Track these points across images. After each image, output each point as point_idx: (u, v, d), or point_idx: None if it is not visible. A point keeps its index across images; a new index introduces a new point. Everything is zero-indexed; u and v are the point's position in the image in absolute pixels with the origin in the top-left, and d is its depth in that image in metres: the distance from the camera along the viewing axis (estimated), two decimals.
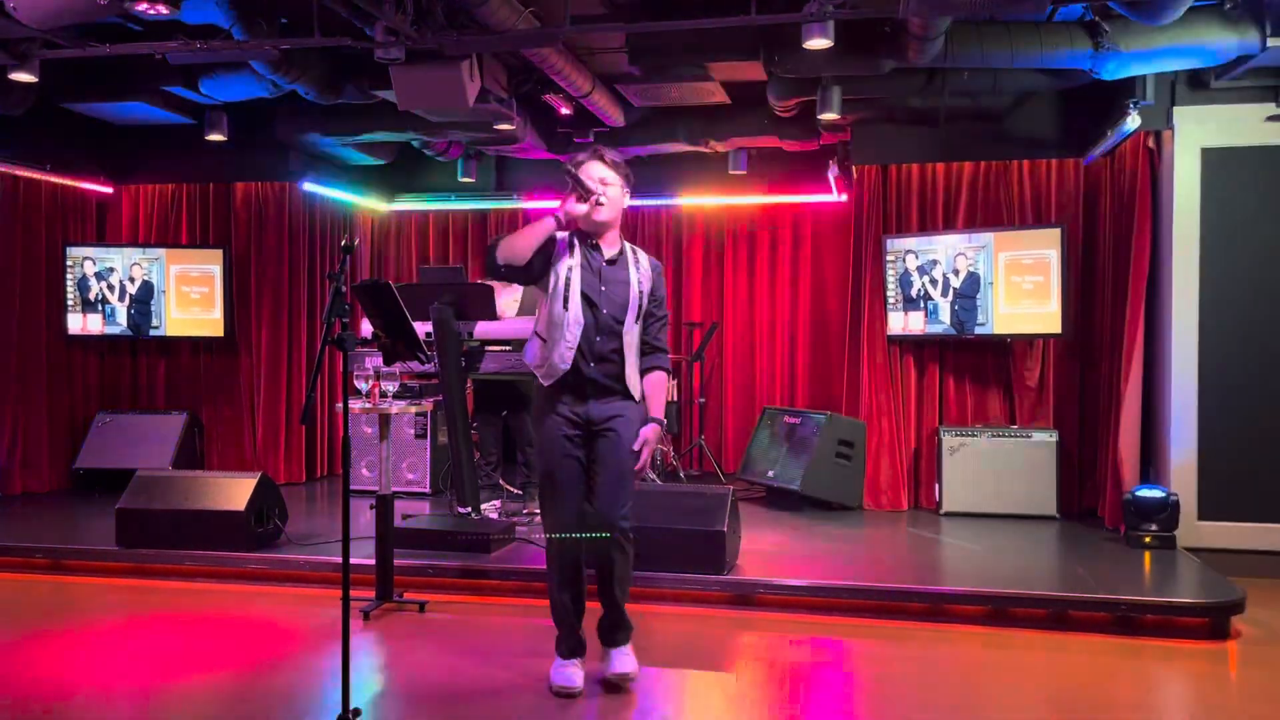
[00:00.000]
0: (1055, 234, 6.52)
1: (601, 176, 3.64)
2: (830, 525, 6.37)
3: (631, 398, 3.71)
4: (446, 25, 5.20)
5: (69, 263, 7.72)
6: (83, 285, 7.75)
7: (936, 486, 6.83)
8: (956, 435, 6.74)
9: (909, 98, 6.46)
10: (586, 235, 3.70)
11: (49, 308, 7.65)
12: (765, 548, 5.62)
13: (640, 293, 3.70)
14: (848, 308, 7.36)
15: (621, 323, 3.65)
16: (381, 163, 8.38)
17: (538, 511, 6.42)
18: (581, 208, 3.58)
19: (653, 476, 7.27)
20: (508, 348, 6.18)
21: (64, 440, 7.71)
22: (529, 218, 8.85)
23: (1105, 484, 6.30)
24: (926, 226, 7.06)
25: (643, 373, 3.77)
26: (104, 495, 6.94)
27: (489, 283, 6.35)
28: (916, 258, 6.93)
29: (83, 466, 7.58)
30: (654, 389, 3.78)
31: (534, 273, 3.64)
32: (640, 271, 3.74)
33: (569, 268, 3.64)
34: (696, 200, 8.48)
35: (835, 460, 6.82)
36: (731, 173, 7.90)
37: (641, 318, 3.73)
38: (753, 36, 5.69)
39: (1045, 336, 6.69)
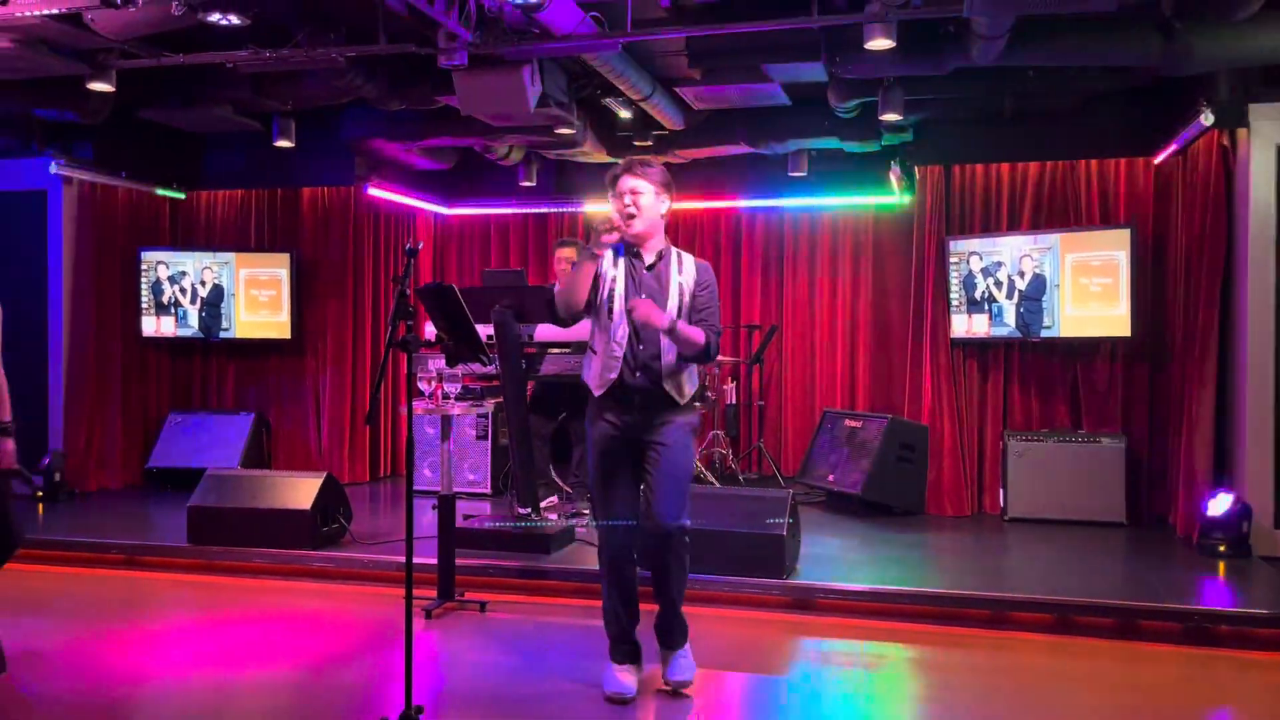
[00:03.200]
0: (1124, 235, 6.38)
1: (632, 187, 3.66)
2: (891, 530, 6.30)
3: (677, 404, 3.71)
4: (509, 31, 5.25)
5: (143, 266, 7.95)
6: (156, 288, 7.96)
7: (1001, 492, 6.72)
8: (1022, 440, 6.63)
9: (973, 97, 6.37)
10: (628, 245, 3.72)
11: (124, 310, 7.88)
12: (825, 552, 5.58)
13: (681, 298, 3.69)
14: (910, 310, 7.28)
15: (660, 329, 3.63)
16: (443, 167, 8.48)
17: (587, 512, 6.47)
18: (623, 231, 3.60)
19: (711, 479, 7.26)
20: (566, 350, 6.21)
21: (137, 439, 7.93)
22: (588, 222, 8.90)
23: (1176, 490, 6.15)
24: (991, 228, 6.95)
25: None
26: (175, 493, 7.13)
27: (548, 285, 6.42)
28: (980, 259, 6.83)
29: (155, 465, 7.79)
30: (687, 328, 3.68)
31: (592, 304, 3.71)
32: (683, 275, 3.73)
33: (611, 279, 3.69)
34: (755, 202, 8.44)
35: (897, 464, 6.74)
36: (791, 174, 7.85)
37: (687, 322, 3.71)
38: (813, 38, 5.65)
39: (1114, 339, 6.55)
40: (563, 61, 6.06)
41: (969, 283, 6.86)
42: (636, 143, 7.54)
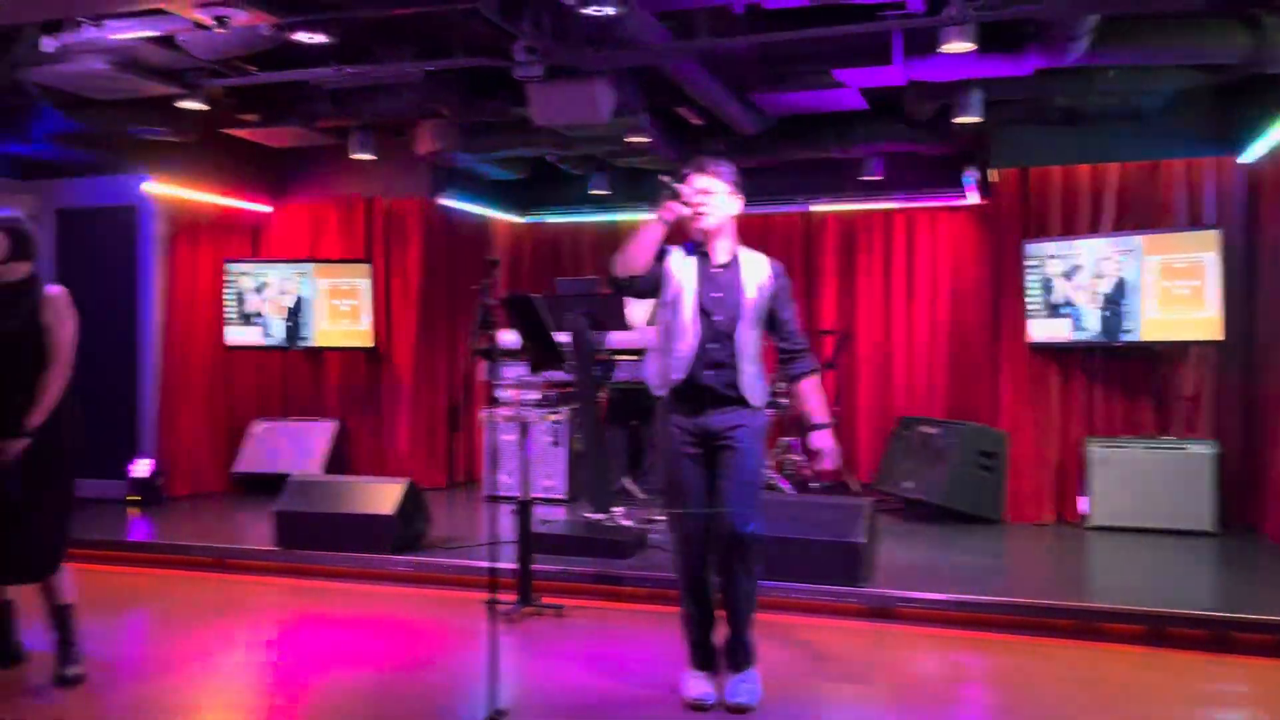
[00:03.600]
0: (1212, 236, 6.20)
1: (703, 186, 3.63)
2: (971, 538, 6.21)
3: (749, 405, 3.67)
4: (583, 41, 5.31)
5: (229, 278, 8.19)
6: (241, 299, 8.20)
7: (1083, 499, 6.58)
8: (1105, 446, 6.48)
9: (1052, 98, 6.26)
10: (697, 244, 3.71)
11: (211, 320, 8.13)
12: (903, 560, 5.53)
13: (756, 300, 3.67)
14: (987, 315, 7.17)
15: (735, 329, 3.63)
16: (516, 177, 8.60)
17: (662, 518, 6.49)
18: (682, 209, 3.56)
19: (785, 486, 7.23)
20: (638, 357, 6.25)
21: (224, 445, 8.16)
22: (660, 182, 8.91)
23: (1271, 498, 5.95)
24: (1070, 230, 6.82)
25: (793, 379, 3.79)
26: (260, 498, 7.31)
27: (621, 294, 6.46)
28: (1059, 263, 6.70)
29: (241, 470, 8.02)
30: (811, 393, 3.78)
31: (653, 282, 3.67)
32: (758, 277, 3.70)
33: (681, 278, 3.66)
34: (829, 206, 8.39)
35: (975, 471, 6.64)
36: (865, 178, 7.79)
37: (759, 323, 3.69)
38: (888, 41, 5.61)
39: (1202, 344, 6.37)
40: (636, 71, 6.10)
41: (1048, 286, 6.74)
42: (708, 149, 7.55)
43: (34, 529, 3.86)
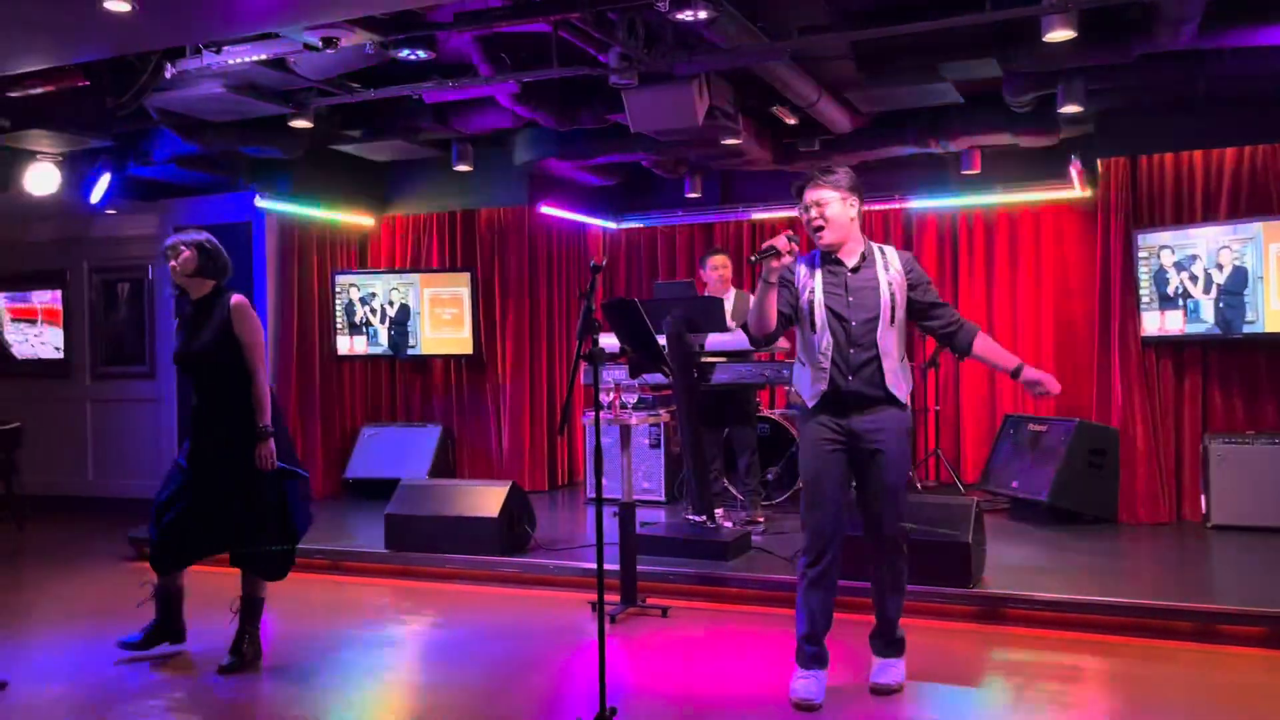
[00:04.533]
0: None
1: (816, 199, 3.67)
2: (1083, 538, 6.04)
3: (896, 403, 3.66)
4: (676, 47, 5.36)
5: (337, 289, 8.47)
6: (349, 310, 8.48)
7: (1203, 498, 6.34)
8: (1224, 443, 6.23)
9: (1161, 84, 6.05)
10: (827, 252, 3.71)
11: (321, 331, 8.43)
12: (1012, 561, 5.41)
13: (892, 294, 3.66)
14: (1095, 308, 6.96)
15: (874, 330, 3.63)
16: (611, 183, 8.69)
17: (762, 521, 6.48)
18: (784, 260, 3.59)
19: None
20: (736, 359, 6.25)
21: (335, 451, 8.44)
22: (757, 228, 8.92)
23: None
24: (1183, 219, 6.58)
25: (964, 350, 3.80)
26: (371, 502, 7.55)
27: (716, 295, 6.48)
28: (1173, 253, 6.47)
29: (351, 476, 8.29)
30: (989, 350, 3.81)
31: (786, 322, 3.75)
32: (890, 272, 3.70)
33: (810, 289, 3.68)
34: (927, 202, 8.27)
35: (1086, 470, 6.46)
36: (964, 173, 7.66)
37: (899, 319, 3.68)
38: (986, 33, 5.51)
39: None
40: (728, 73, 6.12)
41: (1160, 278, 6.51)
42: (802, 148, 7.52)
43: (280, 518, 4.29)
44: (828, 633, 3.81)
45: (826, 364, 3.64)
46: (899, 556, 3.79)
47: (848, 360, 3.62)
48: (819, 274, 3.70)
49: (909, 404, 3.74)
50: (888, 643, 3.89)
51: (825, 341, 3.64)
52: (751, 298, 6.26)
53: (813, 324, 3.67)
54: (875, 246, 3.76)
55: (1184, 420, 6.59)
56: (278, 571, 4.35)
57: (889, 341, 3.63)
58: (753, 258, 3.73)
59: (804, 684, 3.73)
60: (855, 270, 3.68)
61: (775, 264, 3.58)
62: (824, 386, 3.64)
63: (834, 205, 3.65)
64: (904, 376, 3.69)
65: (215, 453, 4.21)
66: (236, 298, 4.28)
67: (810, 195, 3.67)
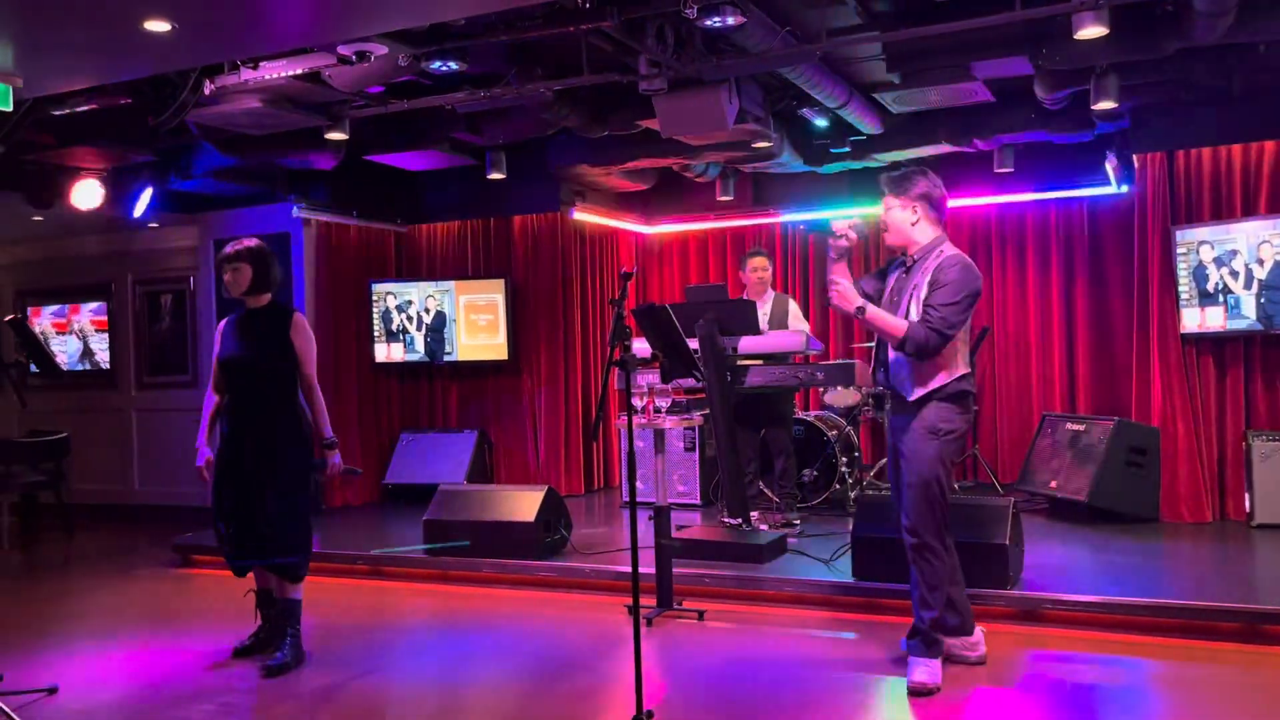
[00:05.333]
0: None
1: (884, 203, 3.95)
2: (1123, 538, 5.98)
3: (912, 402, 3.80)
4: (705, 52, 5.38)
5: (373, 297, 8.58)
6: (386, 317, 8.58)
7: (1246, 496, 6.25)
8: (1268, 440, 6.14)
9: (1196, 78, 5.97)
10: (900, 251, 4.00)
11: (358, 338, 8.54)
12: (1051, 561, 5.37)
13: (916, 295, 3.78)
14: (1133, 305, 6.88)
15: None
16: (643, 188, 8.72)
17: (798, 524, 6.48)
18: (839, 242, 3.86)
19: None
20: (769, 362, 6.25)
21: (374, 457, 8.54)
22: (788, 231, 8.90)
23: None
24: (1222, 214, 6.49)
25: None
26: (410, 507, 7.64)
27: (750, 298, 6.48)
28: (1212, 249, 6.39)
29: (390, 481, 8.39)
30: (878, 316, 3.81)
31: (873, 299, 3.99)
32: (922, 275, 3.81)
33: (891, 289, 3.99)
34: (959, 200, 8.21)
35: (1126, 469, 6.40)
36: (997, 171, 7.60)
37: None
38: (1017, 31, 5.48)
39: None
40: (758, 77, 6.13)
41: (1199, 274, 6.43)
42: (833, 149, 7.51)
43: (297, 522, 4.40)
44: (933, 616, 3.90)
45: (873, 358, 4.05)
46: (916, 555, 3.85)
47: (880, 355, 3.94)
48: (896, 272, 4.00)
49: (941, 399, 3.77)
50: (919, 641, 3.91)
51: (878, 339, 3.97)
52: (790, 300, 6.38)
53: None
54: (939, 250, 3.85)
55: (1226, 418, 6.51)
56: (296, 572, 4.43)
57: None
58: (803, 225, 4.03)
59: (915, 668, 3.91)
60: (908, 271, 3.90)
61: (832, 241, 3.85)
62: (871, 378, 4.05)
63: (894, 211, 3.91)
64: (918, 376, 3.77)
65: (253, 454, 4.33)
66: (299, 314, 4.51)
67: (883, 200, 3.95)
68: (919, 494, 3.77)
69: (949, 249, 3.84)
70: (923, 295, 3.74)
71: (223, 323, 4.57)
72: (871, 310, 3.75)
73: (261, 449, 4.34)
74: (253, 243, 4.46)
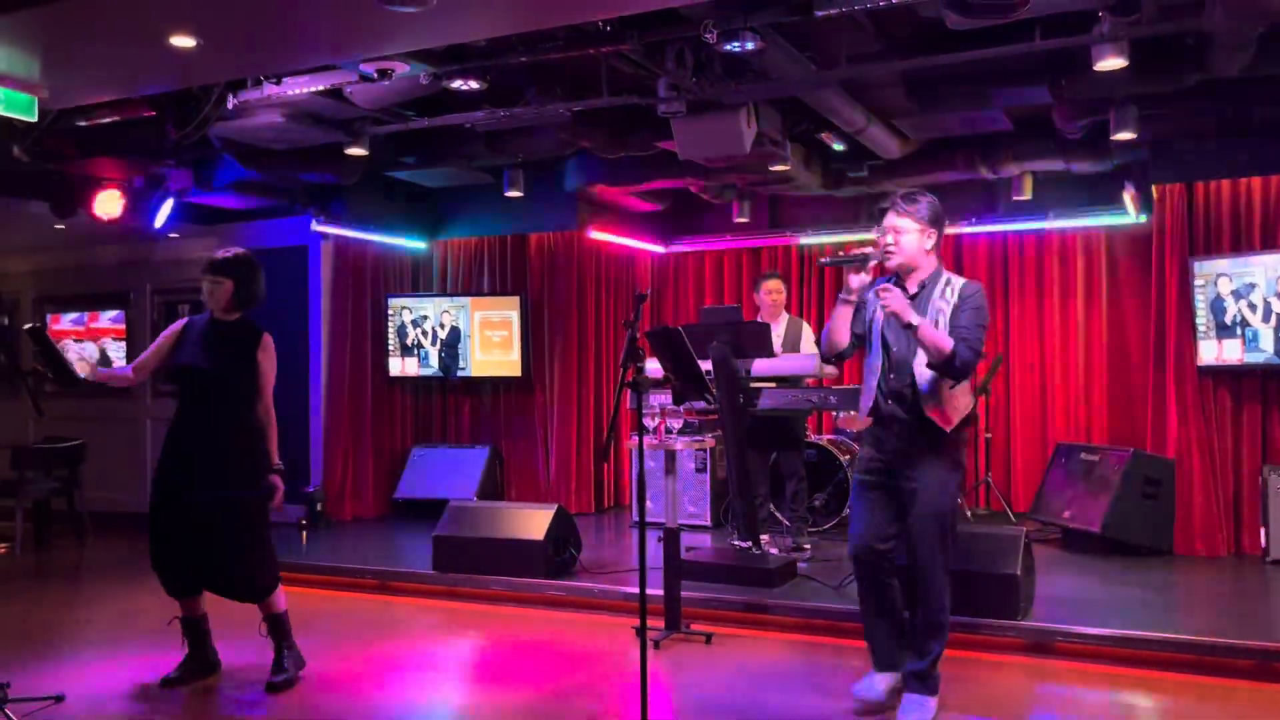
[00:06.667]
0: None
1: (894, 225, 3.73)
2: (1136, 570, 5.93)
3: (938, 433, 3.66)
4: (724, 75, 5.40)
5: (390, 311, 8.62)
6: (401, 332, 8.62)
7: (1262, 531, 6.19)
8: None
9: (1217, 111, 5.96)
10: (896, 278, 3.80)
11: (373, 352, 8.57)
12: (1063, 593, 5.33)
13: (936, 323, 3.66)
14: (1150, 337, 6.85)
15: (911, 360, 3.67)
16: (659, 208, 8.75)
17: (809, 548, 6.45)
18: (857, 279, 3.69)
19: None
20: (782, 385, 6.24)
21: (385, 471, 8.56)
22: (804, 254, 8.91)
23: None
24: (1241, 247, 6.46)
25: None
26: (419, 522, 7.64)
27: (764, 320, 6.48)
28: (1230, 281, 6.36)
29: (401, 496, 8.40)
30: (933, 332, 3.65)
31: (860, 337, 3.84)
32: (944, 300, 3.70)
33: (873, 310, 3.78)
34: (977, 228, 8.21)
35: (1141, 501, 6.34)
36: (1015, 199, 7.59)
37: None
38: (1038, 61, 5.49)
39: None
40: (777, 100, 6.15)
41: (1217, 306, 6.40)
42: (850, 174, 7.53)
43: (259, 551, 4.26)
44: (891, 639, 3.88)
45: (873, 384, 3.76)
46: (932, 592, 3.73)
47: (888, 385, 3.74)
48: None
49: (958, 432, 3.72)
50: (917, 680, 3.79)
51: (876, 362, 3.77)
52: (804, 324, 6.27)
53: (869, 344, 3.80)
54: (946, 276, 3.77)
55: (1243, 451, 6.46)
56: (259, 592, 4.29)
57: (924, 373, 3.66)
58: (824, 260, 3.85)
59: (866, 680, 3.88)
60: (913, 298, 3.71)
61: (854, 278, 3.66)
62: (869, 404, 3.78)
63: (910, 235, 3.71)
64: (952, 404, 3.67)
65: (204, 476, 4.16)
66: (267, 335, 4.34)
67: (890, 220, 3.75)
68: (937, 527, 3.69)
69: (955, 276, 3.80)
70: (947, 318, 3.68)
71: (182, 323, 4.39)
72: (924, 324, 3.58)
73: (213, 473, 4.15)
74: (240, 253, 4.32)
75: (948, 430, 3.66)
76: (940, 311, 3.69)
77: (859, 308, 3.80)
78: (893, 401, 3.71)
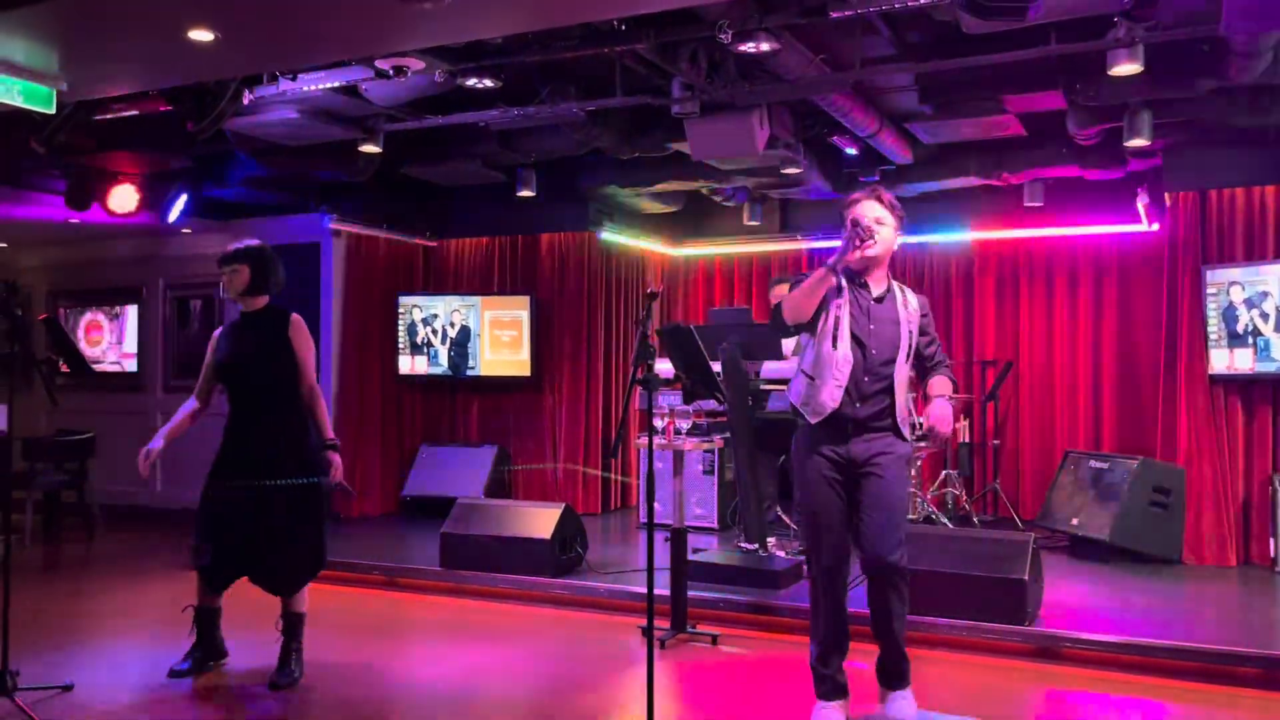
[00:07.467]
0: None
1: (877, 216, 3.63)
2: (1145, 579, 5.91)
3: (899, 434, 3.64)
4: (738, 77, 5.42)
5: (400, 310, 8.64)
6: (411, 330, 8.63)
7: (1272, 541, 6.16)
8: None
9: (1231, 118, 5.95)
10: (855, 274, 3.69)
11: (383, 350, 8.59)
12: (1071, 600, 5.32)
13: (910, 332, 3.66)
14: (1161, 345, 6.83)
15: (891, 362, 3.61)
16: (671, 210, 8.76)
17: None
18: (859, 253, 3.57)
19: (944, 520, 7.06)
20: (787, 387, 6.24)
21: (394, 469, 8.58)
22: (814, 258, 8.91)
23: None
24: (1254, 255, 6.44)
25: (929, 373, 3.81)
26: (427, 519, 7.65)
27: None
28: (1243, 289, 6.34)
29: (409, 494, 8.41)
30: (939, 383, 3.74)
31: (815, 322, 3.68)
32: (909, 311, 3.69)
33: (836, 305, 3.64)
34: (989, 235, 8.20)
35: (1149, 509, 6.32)
36: (1027, 205, 7.58)
37: (911, 357, 3.69)
38: (1051, 66, 5.48)
39: None
40: (790, 103, 6.16)
41: (1229, 315, 6.38)
42: (862, 178, 7.52)
43: (311, 540, 4.30)
44: (843, 661, 3.74)
45: (841, 385, 3.59)
46: (902, 584, 3.62)
47: (859, 387, 3.60)
48: (847, 293, 3.66)
49: (911, 437, 3.76)
50: (897, 670, 3.72)
51: (843, 363, 3.59)
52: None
53: (834, 342, 3.61)
54: (898, 285, 3.76)
55: (1253, 460, 6.43)
56: (297, 585, 4.35)
57: (901, 375, 3.64)
58: (845, 208, 3.72)
59: (824, 714, 3.67)
60: (879, 300, 3.67)
61: (856, 252, 3.54)
62: (833, 407, 3.59)
63: (888, 229, 3.65)
64: (910, 410, 3.71)
65: (259, 468, 4.21)
66: (296, 315, 4.40)
67: (873, 209, 3.63)
68: (899, 519, 3.64)
69: (905, 286, 3.78)
70: (915, 330, 3.67)
71: (217, 331, 4.48)
72: (945, 398, 3.67)
73: (271, 462, 4.21)
74: (253, 243, 4.38)
75: (909, 436, 3.70)
76: (910, 322, 3.66)
77: (827, 298, 3.64)
78: (862, 405, 3.59)
